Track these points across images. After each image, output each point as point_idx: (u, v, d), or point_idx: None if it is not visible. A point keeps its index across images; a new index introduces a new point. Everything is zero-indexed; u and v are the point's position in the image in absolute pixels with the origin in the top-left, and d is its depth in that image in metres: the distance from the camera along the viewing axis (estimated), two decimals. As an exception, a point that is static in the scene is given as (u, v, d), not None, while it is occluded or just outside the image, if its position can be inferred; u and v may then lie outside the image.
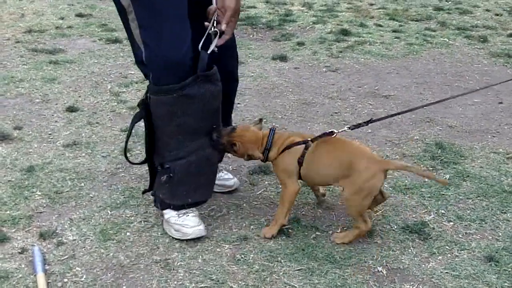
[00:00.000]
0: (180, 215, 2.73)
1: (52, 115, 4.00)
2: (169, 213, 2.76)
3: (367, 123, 2.77)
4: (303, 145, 2.69)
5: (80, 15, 6.52)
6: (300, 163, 2.68)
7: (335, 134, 2.71)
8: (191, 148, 2.66)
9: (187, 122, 2.61)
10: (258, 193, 3.14)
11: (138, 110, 2.75)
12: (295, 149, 2.70)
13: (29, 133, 3.74)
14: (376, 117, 4.05)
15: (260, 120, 2.87)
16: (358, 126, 2.80)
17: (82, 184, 3.17)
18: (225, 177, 3.11)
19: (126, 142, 2.79)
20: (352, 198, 2.61)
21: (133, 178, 3.25)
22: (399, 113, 3.17)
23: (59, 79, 4.64)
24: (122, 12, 2.62)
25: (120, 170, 3.32)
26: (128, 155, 2.85)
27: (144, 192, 2.93)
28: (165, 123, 2.64)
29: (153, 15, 2.49)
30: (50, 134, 3.73)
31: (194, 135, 2.66)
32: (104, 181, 3.21)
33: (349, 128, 2.80)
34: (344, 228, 2.84)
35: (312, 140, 2.70)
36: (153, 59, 2.54)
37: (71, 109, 4.07)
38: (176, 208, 2.74)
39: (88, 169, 3.32)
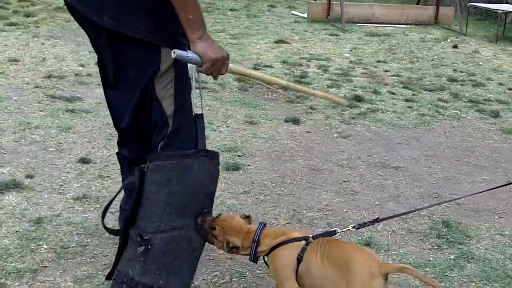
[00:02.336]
0: None
1: (65, 166, 4.05)
2: None
3: (372, 222, 2.61)
4: (304, 241, 2.50)
5: (99, 63, 6.64)
6: (299, 260, 2.46)
7: (338, 234, 2.56)
8: (176, 224, 2.51)
9: (178, 194, 2.51)
10: (261, 261, 3.14)
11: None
12: (294, 245, 2.49)
13: (40, 182, 3.79)
14: (384, 189, 4.09)
15: (248, 216, 2.68)
16: (363, 225, 2.62)
17: (89, 240, 3.19)
18: None
19: (107, 208, 2.69)
20: None
21: (139, 237, 3.26)
22: (404, 213, 2.94)
23: (74, 129, 4.72)
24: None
25: (127, 228, 3.34)
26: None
27: (108, 277, 2.72)
28: (158, 189, 2.51)
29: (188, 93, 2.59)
30: (61, 185, 3.77)
31: (182, 211, 2.52)
32: (110, 238, 3.22)
33: (353, 227, 2.59)
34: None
35: (313, 237, 2.51)
36: (176, 131, 2.54)
37: (83, 161, 4.13)
38: None
39: (96, 224, 3.35)
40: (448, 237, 3.51)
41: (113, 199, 2.70)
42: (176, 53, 2.32)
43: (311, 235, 2.52)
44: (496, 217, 3.84)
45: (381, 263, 2.40)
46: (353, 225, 2.59)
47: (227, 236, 2.52)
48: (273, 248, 2.52)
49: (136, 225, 2.54)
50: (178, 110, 2.54)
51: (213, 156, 2.60)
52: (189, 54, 2.38)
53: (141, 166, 2.53)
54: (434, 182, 4.31)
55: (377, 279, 2.30)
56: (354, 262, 2.34)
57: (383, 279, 2.32)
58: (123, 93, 2.55)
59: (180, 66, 2.51)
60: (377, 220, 2.64)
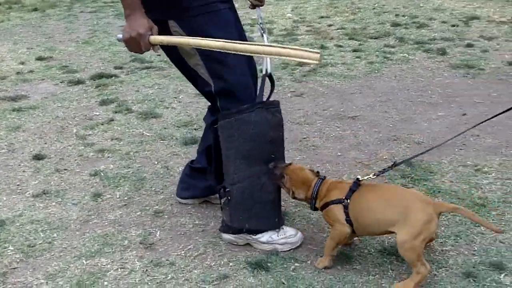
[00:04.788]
0: (278, 231, 2.92)
1: (19, 165, 3.94)
2: (266, 235, 2.91)
3: (392, 166, 2.82)
4: (341, 205, 2.67)
5: (40, 59, 6.48)
6: (348, 221, 2.65)
7: (361, 180, 2.70)
8: (246, 174, 2.83)
9: (243, 147, 2.80)
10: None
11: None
12: (337, 206, 2.68)
13: (-4, 185, 3.68)
14: (344, 140, 4.10)
15: (317, 172, 2.82)
16: (383, 171, 2.84)
17: (55, 235, 3.12)
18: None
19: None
20: (411, 244, 2.49)
21: (106, 224, 3.21)
22: (425, 152, 3.06)
23: (23, 127, 4.59)
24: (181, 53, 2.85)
25: (93, 216, 3.28)
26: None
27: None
28: (226, 146, 2.87)
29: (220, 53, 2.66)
30: (18, 185, 3.67)
31: (249, 161, 2.81)
32: (77, 229, 3.16)
33: (374, 175, 2.75)
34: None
35: (346, 198, 2.66)
36: (222, 91, 2.81)
37: (38, 157, 4.02)
38: (235, 232, 2.93)
39: (60, 218, 3.28)
40: (412, 175, 3.54)
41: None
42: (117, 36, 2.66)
43: (344, 197, 2.67)
44: (456, 150, 3.88)
45: (435, 204, 2.58)
46: (374, 173, 2.77)
47: (293, 188, 2.77)
48: (323, 206, 2.74)
49: (224, 176, 2.92)
50: (220, 74, 2.77)
51: (270, 105, 2.81)
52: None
53: (214, 127, 2.93)
54: (391, 125, 4.34)
55: (433, 221, 2.52)
56: (412, 208, 2.51)
57: (437, 219, 2.54)
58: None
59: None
60: (395, 165, 2.83)
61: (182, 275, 2.76)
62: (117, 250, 2.96)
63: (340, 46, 6.43)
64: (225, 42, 2.51)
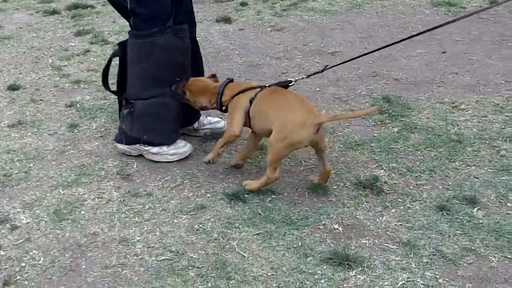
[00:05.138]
0: (169, 144, 3.09)
1: (-6, 95, 3.89)
2: (156, 146, 3.07)
3: (322, 70, 2.89)
4: (258, 89, 2.81)
5: (14, -13, 6.30)
6: (251, 102, 2.78)
7: (293, 83, 2.86)
8: (153, 93, 2.99)
9: (150, 68, 2.96)
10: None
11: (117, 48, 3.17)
12: (250, 91, 2.82)
13: (-29, 115, 3.63)
14: (323, 75, 4.08)
15: (213, 75, 3.02)
16: (315, 73, 2.96)
17: (31, 165, 3.11)
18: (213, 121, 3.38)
19: (104, 72, 3.20)
20: (276, 144, 2.65)
21: (82, 154, 3.19)
22: (352, 59, 3.10)
23: (-3, 57, 4.51)
24: None
25: (69, 147, 3.26)
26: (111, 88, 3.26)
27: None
28: (133, 65, 3.00)
29: None
30: (-7, 115, 3.63)
31: (156, 82, 2.98)
32: (53, 159, 3.15)
33: (306, 76, 2.99)
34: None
35: (268, 86, 2.82)
36: (137, 10, 2.88)
37: (13, 87, 3.96)
38: (133, 142, 3.07)
39: (36, 148, 3.25)
40: (390, 111, 3.55)
41: (107, 67, 3.20)
42: None
43: (268, 85, 2.83)
44: (434, 87, 3.89)
45: (316, 116, 2.68)
46: (306, 74, 3.00)
47: (195, 98, 2.91)
48: (233, 97, 2.85)
49: (127, 89, 3.07)
50: None
51: (179, 31, 2.95)
52: None
53: (123, 41, 3.06)
54: (371, 62, 4.32)
55: (307, 129, 2.62)
56: (290, 109, 2.66)
57: (313, 130, 2.62)
58: None
59: None
60: (325, 68, 2.90)
61: (159, 205, 2.78)
62: (94, 180, 2.96)
63: (322, -19, 6.32)
64: None
